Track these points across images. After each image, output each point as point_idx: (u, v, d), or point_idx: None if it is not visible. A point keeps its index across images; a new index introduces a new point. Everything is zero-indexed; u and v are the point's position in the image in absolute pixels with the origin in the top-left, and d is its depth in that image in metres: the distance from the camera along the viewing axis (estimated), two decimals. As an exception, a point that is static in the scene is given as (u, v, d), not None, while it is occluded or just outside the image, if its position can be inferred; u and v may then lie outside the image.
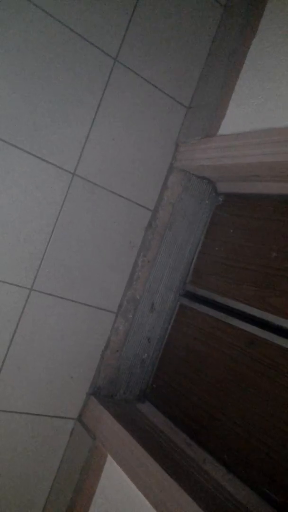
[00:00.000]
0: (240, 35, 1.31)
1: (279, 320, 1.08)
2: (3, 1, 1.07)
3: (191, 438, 1.16)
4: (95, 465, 1.19)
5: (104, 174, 1.26)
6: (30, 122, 1.13)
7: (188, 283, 1.40)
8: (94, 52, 1.20)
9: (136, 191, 1.32)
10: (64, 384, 1.26)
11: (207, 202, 1.41)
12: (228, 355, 1.16)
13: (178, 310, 1.39)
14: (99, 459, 1.18)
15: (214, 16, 1.39)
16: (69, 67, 1.17)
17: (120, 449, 1.11)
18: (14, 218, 1.14)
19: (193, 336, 1.29)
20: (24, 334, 1.18)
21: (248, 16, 1.31)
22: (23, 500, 1.23)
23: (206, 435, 1.13)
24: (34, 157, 1.15)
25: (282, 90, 1.11)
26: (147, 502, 1.00)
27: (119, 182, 1.28)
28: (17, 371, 1.18)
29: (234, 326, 1.18)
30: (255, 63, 1.23)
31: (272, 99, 1.13)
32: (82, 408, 1.30)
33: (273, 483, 0.95)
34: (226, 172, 1.27)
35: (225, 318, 1.21)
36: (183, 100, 1.37)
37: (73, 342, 1.26)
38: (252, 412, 1.05)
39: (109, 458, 1.16)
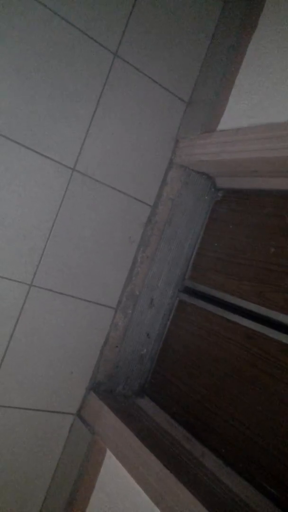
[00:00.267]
0: (239, 31, 1.31)
1: (278, 315, 1.08)
2: (2, -5, 1.06)
3: (189, 433, 1.16)
4: (94, 459, 1.19)
5: (104, 170, 1.26)
6: (30, 117, 1.13)
7: (187, 278, 1.40)
8: (94, 47, 1.19)
9: (136, 187, 1.32)
10: (64, 379, 1.26)
11: (206, 197, 1.41)
12: (226, 350, 1.17)
13: (177, 306, 1.39)
14: (98, 454, 1.19)
15: (213, 11, 1.38)
16: (69, 62, 1.17)
17: (119, 444, 1.12)
18: (14, 214, 1.14)
19: (192, 331, 1.29)
20: (24, 329, 1.18)
21: (248, 12, 1.30)
22: (22, 495, 1.24)
23: (204, 430, 1.14)
24: (34, 152, 1.15)
25: (281, 86, 1.11)
26: (146, 496, 1.00)
27: (118, 177, 1.28)
28: (16, 367, 1.19)
29: (232, 321, 1.18)
30: (254, 58, 1.23)
31: (272, 95, 1.13)
32: (81, 403, 1.30)
33: (270, 476, 0.96)
34: (226, 168, 1.27)
35: (224, 314, 1.21)
36: (182, 95, 1.36)
37: (73, 338, 1.26)
38: (250, 407, 1.05)
39: (108, 453, 1.16)
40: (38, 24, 1.11)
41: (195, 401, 1.19)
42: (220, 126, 1.25)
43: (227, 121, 1.24)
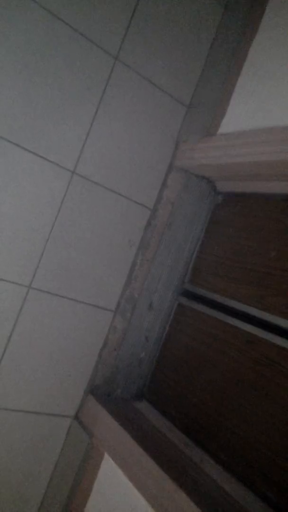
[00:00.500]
0: (241, 34, 1.31)
1: (277, 319, 1.08)
2: (4, -3, 1.07)
3: (188, 437, 1.16)
4: (92, 463, 1.19)
5: (104, 173, 1.26)
6: (30, 120, 1.13)
7: (187, 282, 1.39)
8: (95, 50, 1.20)
9: (136, 190, 1.31)
10: (62, 382, 1.26)
11: (206, 201, 1.41)
12: (226, 355, 1.16)
13: (177, 309, 1.39)
14: (96, 457, 1.18)
15: (215, 15, 1.39)
16: (70, 65, 1.17)
17: (117, 447, 1.11)
18: (13, 216, 1.14)
19: (191, 335, 1.29)
20: (22, 332, 1.18)
21: (249, 15, 1.31)
22: (20, 498, 1.23)
23: (203, 434, 1.13)
24: (34, 155, 1.14)
25: (282, 89, 1.11)
26: (143, 500, 1.00)
27: (118, 180, 1.28)
28: (14, 369, 1.18)
29: (232, 325, 1.18)
30: (256, 62, 1.23)
31: (273, 98, 1.13)
32: (79, 406, 1.29)
33: (270, 482, 0.95)
34: (226, 171, 1.27)
35: (224, 317, 1.20)
36: (183, 98, 1.36)
37: (71, 341, 1.26)
38: (250, 412, 1.05)
39: (106, 456, 1.16)
40: (40, 27, 1.12)
41: (194, 405, 1.19)
42: (221, 130, 1.25)
43: (228, 125, 1.24)
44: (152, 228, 1.34)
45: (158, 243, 1.35)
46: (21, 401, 1.20)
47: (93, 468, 1.18)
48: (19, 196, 1.14)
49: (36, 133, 1.14)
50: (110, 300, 1.31)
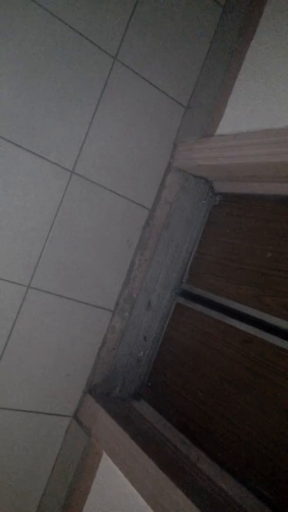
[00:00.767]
0: (238, 36, 1.32)
1: (274, 319, 1.08)
2: (3, -2, 1.07)
3: (186, 436, 1.17)
4: (90, 462, 1.19)
5: (103, 173, 1.26)
6: (29, 119, 1.14)
7: (185, 282, 1.40)
8: (94, 50, 1.20)
9: (134, 190, 1.32)
10: (60, 381, 1.26)
11: (204, 201, 1.41)
12: (223, 354, 1.17)
13: (175, 309, 1.40)
14: (95, 456, 1.19)
15: (213, 16, 1.39)
16: (69, 65, 1.17)
17: (115, 447, 1.12)
18: (12, 216, 1.14)
19: (189, 334, 1.30)
20: (21, 331, 1.18)
21: (247, 17, 1.31)
22: (18, 497, 1.23)
23: (200, 433, 1.14)
24: (33, 154, 1.15)
25: (280, 91, 1.11)
26: (141, 499, 1.00)
27: (117, 180, 1.29)
28: (13, 369, 1.19)
29: (230, 325, 1.18)
30: (253, 64, 1.24)
31: (270, 100, 1.13)
32: (78, 406, 1.30)
33: (266, 480, 0.96)
34: (224, 172, 1.28)
35: (221, 317, 1.21)
36: (181, 99, 1.37)
37: (70, 340, 1.26)
38: (247, 411, 1.06)
39: (104, 455, 1.16)
40: (39, 27, 1.12)
41: (192, 404, 1.20)
42: (219, 131, 1.26)
43: (225, 126, 1.25)
44: (150, 228, 1.35)
45: (156, 243, 1.36)
46: (20, 401, 1.20)
47: (92, 467, 1.18)
48: (18, 196, 1.14)
49: (35, 133, 1.15)
50: (109, 300, 1.32)
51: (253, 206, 1.27)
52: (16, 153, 1.13)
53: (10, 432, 1.20)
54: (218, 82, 1.32)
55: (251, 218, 1.25)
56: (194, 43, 1.37)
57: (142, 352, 1.37)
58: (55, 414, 1.27)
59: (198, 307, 1.30)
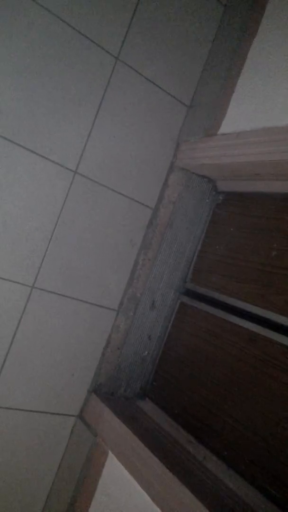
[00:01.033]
0: (241, 35, 1.32)
1: (279, 317, 1.08)
2: (5, -1, 1.07)
3: (191, 435, 1.17)
4: (96, 461, 1.19)
5: (106, 172, 1.26)
6: (32, 120, 1.14)
7: (189, 281, 1.40)
8: (96, 50, 1.20)
9: (137, 190, 1.32)
10: (65, 381, 1.26)
11: (207, 200, 1.41)
12: (228, 353, 1.17)
13: (179, 308, 1.40)
14: (100, 456, 1.19)
15: (215, 15, 1.39)
16: (71, 65, 1.17)
17: (121, 446, 1.12)
18: (16, 216, 1.14)
19: (194, 334, 1.30)
20: (25, 331, 1.19)
21: (249, 16, 1.31)
22: (24, 497, 1.24)
23: (206, 432, 1.14)
24: (36, 155, 1.15)
25: (283, 89, 1.11)
26: (148, 498, 1.00)
27: (120, 180, 1.29)
28: (18, 369, 1.19)
29: (234, 324, 1.18)
30: (256, 62, 1.23)
31: (273, 98, 1.13)
32: (83, 405, 1.30)
33: (273, 479, 0.96)
34: (227, 171, 1.28)
35: (226, 316, 1.21)
36: (184, 99, 1.37)
37: (74, 340, 1.27)
38: (253, 409, 1.06)
39: (110, 454, 1.16)
40: (41, 27, 1.12)
41: (197, 403, 1.20)
42: (221, 130, 1.26)
43: (228, 125, 1.25)
44: (153, 228, 1.35)
45: (160, 242, 1.36)
46: (25, 401, 1.21)
47: (98, 466, 1.18)
48: (22, 196, 1.15)
49: (38, 133, 1.15)
50: (113, 300, 1.32)
51: (256, 204, 1.26)
52: (19, 154, 1.13)
53: (16, 432, 1.20)
54: (220, 81, 1.32)
55: (255, 217, 1.25)
56: (196, 42, 1.37)
57: (146, 352, 1.37)
58: (60, 414, 1.27)
59: (202, 306, 1.30)
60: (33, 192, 1.16)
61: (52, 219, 1.19)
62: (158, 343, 1.39)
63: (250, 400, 1.07)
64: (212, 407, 1.15)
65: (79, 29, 1.17)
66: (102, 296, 1.30)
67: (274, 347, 1.07)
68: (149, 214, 1.35)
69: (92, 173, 1.24)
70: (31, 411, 1.22)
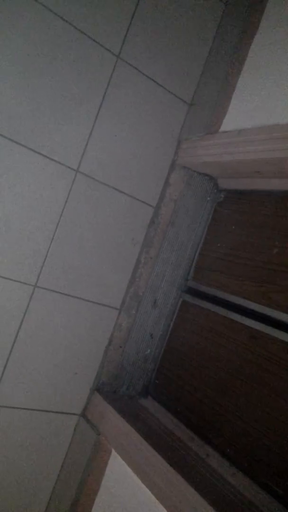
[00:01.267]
0: (241, 32, 1.32)
1: (281, 315, 1.09)
2: (6, -2, 1.07)
3: (194, 433, 1.17)
4: (99, 460, 1.20)
5: (107, 171, 1.26)
6: (34, 119, 1.14)
7: (190, 279, 1.40)
8: (97, 49, 1.20)
9: (139, 188, 1.32)
10: (68, 380, 1.27)
11: (208, 198, 1.41)
12: (230, 350, 1.17)
13: (181, 306, 1.40)
14: (104, 454, 1.19)
15: (215, 13, 1.39)
16: (72, 64, 1.17)
17: (125, 444, 1.12)
18: (18, 216, 1.14)
19: (196, 331, 1.30)
20: (28, 330, 1.19)
21: (250, 13, 1.31)
22: (27, 495, 1.24)
23: (209, 430, 1.14)
24: (37, 154, 1.15)
25: (284, 87, 1.11)
26: (152, 496, 1.01)
27: (121, 179, 1.29)
28: (21, 368, 1.19)
29: (236, 321, 1.19)
30: (257, 60, 1.23)
31: (274, 96, 1.13)
32: (86, 404, 1.30)
33: (276, 476, 0.96)
34: (228, 169, 1.28)
35: (227, 314, 1.21)
36: (185, 97, 1.37)
37: (77, 339, 1.27)
38: (255, 407, 1.06)
39: (114, 453, 1.17)
40: (42, 26, 1.12)
41: (199, 401, 1.20)
42: (223, 128, 1.26)
43: (229, 123, 1.25)
44: (155, 226, 1.35)
45: (162, 241, 1.36)
46: (28, 399, 1.21)
47: (101, 465, 1.19)
48: (24, 196, 1.15)
49: (39, 132, 1.15)
50: (115, 298, 1.32)
51: (258, 202, 1.26)
52: (21, 153, 1.13)
53: (18, 431, 1.20)
54: (221, 79, 1.32)
55: (256, 214, 1.25)
56: (197, 39, 1.37)
57: (149, 350, 1.37)
58: (63, 413, 1.27)
59: (204, 304, 1.30)
60: (35, 192, 1.16)
61: (54, 218, 1.20)
62: (160, 341, 1.39)
63: (253, 397, 1.07)
64: (215, 404, 1.15)
65: (80, 28, 1.17)
66: (104, 295, 1.30)
67: (276, 345, 1.07)
68: (151, 212, 1.35)
69: (93, 172, 1.24)
70: (34, 410, 1.22)
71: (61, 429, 1.27)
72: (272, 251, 1.17)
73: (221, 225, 1.36)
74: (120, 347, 1.33)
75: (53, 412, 1.25)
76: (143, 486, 1.04)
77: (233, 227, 1.31)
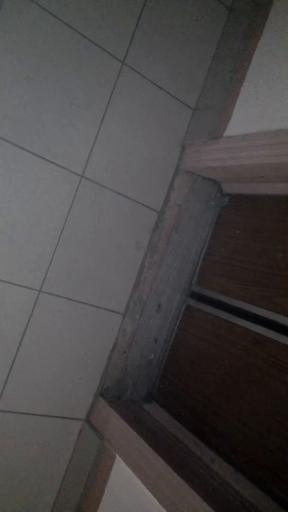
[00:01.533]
0: (245, 37, 1.32)
1: (285, 319, 1.08)
2: (13, 4, 1.08)
3: (198, 438, 1.17)
4: (103, 465, 1.19)
5: (112, 176, 1.27)
6: (39, 125, 1.14)
7: (194, 284, 1.40)
8: (102, 55, 1.21)
9: (143, 193, 1.32)
10: (72, 385, 1.27)
11: (212, 203, 1.41)
12: (234, 355, 1.17)
13: (185, 311, 1.40)
14: (108, 460, 1.19)
15: (219, 18, 1.40)
16: (78, 70, 1.18)
17: (129, 449, 1.12)
18: (23, 220, 1.15)
19: (200, 336, 1.30)
20: (33, 335, 1.19)
21: (254, 19, 1.32)
22: (32, 500, 1.24)
23: (213, 435, 1.14)
24: (43, 159, 1.16)
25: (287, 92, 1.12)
26: (156, 502, 1.00)
27: (126, 183, 1.29)
28: (26, 372, 1.19)
29: (240, 326, 1.18)
30: (260, 65, 1.24)
31: (278, 101, 1.14)
32: (90, 409, 1.30)
33: (281, 481, 0.96)
34: (232, 173, 1.28)
35: (231, 318, 1.21)
36: (189, 102, 1.38)
37: (81, 343, 1.27)
38: (260, 412, 1.05)
39: (118, 458, 1.16)
40: (48, 33, 1.13)
41: (204, 406, 1.20)
42: (227, 132, 1.26)
43: (233, 128, 1.25)
44: (159, 231, 1.35)
45: (166, 245, 1.36)
46: (33, 404, 1.21)
47: (105, 470, 1.18)
48: (29, 200, 1.15)
49: (45, 138, 1.15)
50: (119, 303, 1.32)
51: (262, 206, 1.26)
52: (26, 158, 1.13)
53: (23, 436, 1.20)
54: (225, 84, 1.33)
55: (261, 219, 1.25)
56: (201, 45, 1.38)
57: (153, 355, 1.37)
58: (67, 418, 1.27)
59: (208, 309, 1.30)
60: (40, 197, 1.16)
61: (59, 223, 1.20)
62: (164, 346, 1.39)
63: (257, 402, 1.07)
64: (219, 410, 1.15)
65: (85, 34, 1.18)
66: (108, 300, 1.30)
67: (280, 349, 1.07)
68: (155, 217, 1.36)
69: (98, 177, 1.24)
70: (38, 415, 1.22)
71: (65, 434, 1.27)
72: (276, 255, 1.17)
73: (226, 229, 1.36)
74: (124, 352, 1.33)
75: (57, 417, 1.25)
76: (147, 492, 1.04)
77: (237, 232, 1.31)
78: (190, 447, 1.16)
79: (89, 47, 1.19)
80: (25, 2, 1.09)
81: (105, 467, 1.19)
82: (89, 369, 1.29)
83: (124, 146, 1.28)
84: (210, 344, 1.25)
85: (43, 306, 1.19)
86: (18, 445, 1.20)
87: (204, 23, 1.37)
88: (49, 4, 1.12)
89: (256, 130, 1.16)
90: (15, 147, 1.12)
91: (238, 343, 1.17)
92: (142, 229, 1.33)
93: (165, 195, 1.37)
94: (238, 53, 1.32)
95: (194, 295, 1.39)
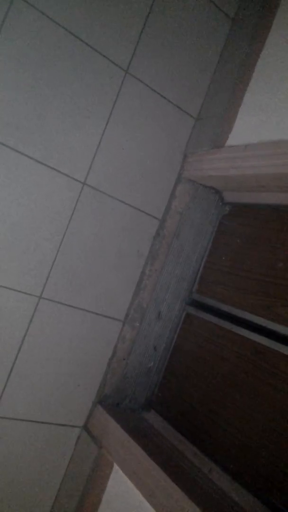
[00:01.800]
0: (248, 48, 1.33)
1: (285, 329, 1.08)
2: (17, 12, 1.09)
3: (197, 448, 1.16)
4: (101, 473, 1.19)
5: (114, 184, 1.27)
6: (42, 132, 1.15)
7: (195, 292, 1.40)
8: (106, 64, 1.22)
9: (145, 200, 1.33)
10: (71, 392, 1.26)
11: (214, 211, 1.42)
12: (234, 364, 1.17)
13: (185, 319, 1.39)
14: (105, 468, 1.18)
15: (222, 28, 1.41)
16: (82, 79, 1.19)
17: (126, 458, 1.11)
18: (25, 227, 1.15)
19: (199, 344, 1.29)
20: (32, 341, 1.19)
21: (256, 29, 1.33)
22: (28, 508, 1.23)
23: (211, 444, 1.13)
24: (45, 166, 1.16)
25: (290, 103, 1.12)
26: (154, 511, 0.99)
27: (128, 191, 1.30)
28: (24, 379, 1.19)
29: (240, 335, 1.18)
30: (263, 75, 1.25)
31: (280, 111, 1.14)
32: (88, 417, 1.30)
33: (279, 492, 0.95)
34: (233, 183, 1.28)
35: (231, 327, 1.21)
36: (191, 111, 1.38)
37: (80, 350, 1.27)
38: (258, 421, 1.05)
39: (115, 467, 1.16)
40: (52, 41, 1.14)
41: (202, 415, 1.19)
42: (229, 142, 1.27)
43: (235, 137, 1.26)
44: (160, 239, 1.36)
45: (167, 253, 1.36)
46: (31, 411, 1.20)
47: (102, 478, 1.18)
48: (30, 207, 1.16)
49: (48, 145, 1.16)
50: (119, 310, 1.32)
51: (263, 215, 1.27)
52: (29, 165, 1.14)
53: (21, 442, 1.20)
54: (228, 93, 1.33)
55: (261, 228, 1.25)
56: (204, 54, 1.39)
57: (152, 362, 1.37)
58: (65, 425, 1.26)
59: (209, 317, 1.29)
60: (42, 203, 1.17)
61: (60, 229, 1.20)
62: (163, 353, 1.38)
63: (256, 412, 1.06)
64: (218, 419, 1.15)
65: (89, 43, 1.19)
66: (108, 307, 1.30)
67: (279, 359, 1.06)
68: (156, 224, 1.36)
69: (100, 184, 1.25)
70: (36, 421, 1.21)
71: (62, 441, 1.26)
72: (276, 264, 1.17)
73: (226, 238, 1.37)
74: (124, 359, 1.33)
75: (55, 424, 1.25)
76: (144, 501, 1.03)
77: (238, 240, 1.31)
78: (189, 457, 1.15)
79: (93, 56, 1.20)
80: (31, 11, 1.10)
81: (103, 475, 1.18)
82: (88, 376, 1.28)
83: (126, 154, 1.28)
84: (210, 353, 1.25)
85: (43, 312, 1.19)
86: (15, 451, 1.19)
87: (207, 33, 1.38)
88: (54, 13, 1.13)
89: (258, 140, 1.17)
90: (18, 154, 1.12)
91: (238, 352, 1.17)
92: (143, 236, 1.34)
93: (167, 203, 1.37)
94: (240, 63, 1.33)
95: (194, 303, 1.39)
